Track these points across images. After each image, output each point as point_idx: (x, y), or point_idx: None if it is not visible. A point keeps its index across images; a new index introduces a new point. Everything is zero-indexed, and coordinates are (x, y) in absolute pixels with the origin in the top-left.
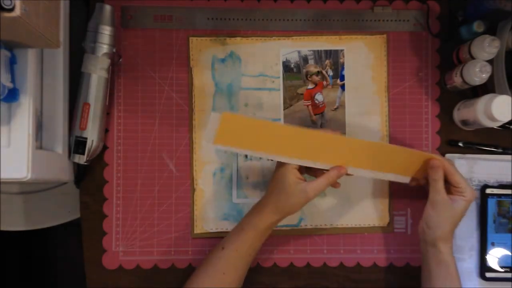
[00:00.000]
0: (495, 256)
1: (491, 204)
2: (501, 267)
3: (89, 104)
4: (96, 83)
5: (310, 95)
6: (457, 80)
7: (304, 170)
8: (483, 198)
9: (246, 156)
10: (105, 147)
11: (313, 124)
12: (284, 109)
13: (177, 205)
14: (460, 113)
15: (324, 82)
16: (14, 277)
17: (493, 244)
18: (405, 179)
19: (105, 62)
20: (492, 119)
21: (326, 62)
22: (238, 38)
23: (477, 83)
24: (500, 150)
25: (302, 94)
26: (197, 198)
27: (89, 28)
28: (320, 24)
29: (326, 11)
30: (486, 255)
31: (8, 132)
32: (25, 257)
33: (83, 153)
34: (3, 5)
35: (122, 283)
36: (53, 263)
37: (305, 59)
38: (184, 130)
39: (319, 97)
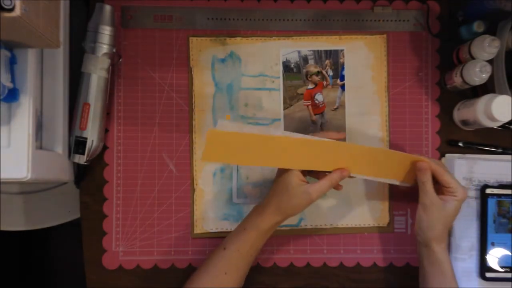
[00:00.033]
0: (495, 256)
1: (491, 204)
2: (501, 267)
3: (89, 104)
4: (96, 83)
5: (310, 95)
6: (457, 80)
7: (306, 172)
8: (483, 198)
9: None
10: (105, 147)
11: (313, 124)
12: (284, 109)
13: (177, 205)
14: (460, 113)
15: (324, 82)
16: (14, 277)
17: (493, 244)
18: (407, 184)
19: (105, 62)
20: (492, 119)
21: (326, 62)
22: (238, 38)
23: (477, 83)
24: (500, 150)
25: (302, 94)
26: (197, 198)
27: (89, 28)
28: (320, 24)
29: (326, 11)
30: (486, 255)
31: (8, 132)
32: (25, 257)
33: (83, 153)
34: (3, 5)
35: (122, 283)
36: (53, 263)
37: (305, 59)
38: (184, 130)
39: (319, 97)
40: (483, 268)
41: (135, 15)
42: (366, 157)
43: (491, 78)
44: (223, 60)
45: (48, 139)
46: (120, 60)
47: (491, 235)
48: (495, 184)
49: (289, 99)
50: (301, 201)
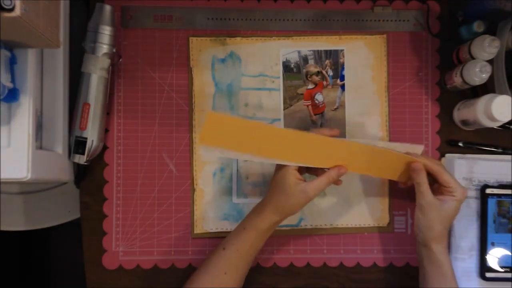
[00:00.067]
0: (495, 256)
1: (491, 204)
2: (501, 267)
3: (89, 104)
4: (96, 83)
5: (310, 95)
6: (457, 80)
7: (304, 170)
8: (483, 198)
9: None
10: (105, 147)
11: (313, 124)
12: (284, 109)
13: (177, 205)
14: (460, 113)
15: (324, 82)
16: (14, 277)
17: (493, 244)
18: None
19: (105, 62)
20: (492, 119)
21: (326, 62)
22: (238, 38)
23: (477, 83)
24: (500, 150)
25: (302, 94)
26: (197, 198)
27: (89, 28)
28: (320, 24)
29: (326, 11)
30: (486, 255)
31: (8, 132)
32: (25, 257)
33: (83, 153)
34: (3, 5)
35: (122, 283)
36: (53, 263)
37: (305, 59)
38: (184, 130)
39: (319, 97)
40: (483, 268)
41: (135, 15)
42: (363, 155)
43: (491, 78)
44: (223, 60)
45: (48, 139)
46: (120, 60)
47: (491, 235)
48: (495, 184)
49: (289, 99)
50: (298, 200)
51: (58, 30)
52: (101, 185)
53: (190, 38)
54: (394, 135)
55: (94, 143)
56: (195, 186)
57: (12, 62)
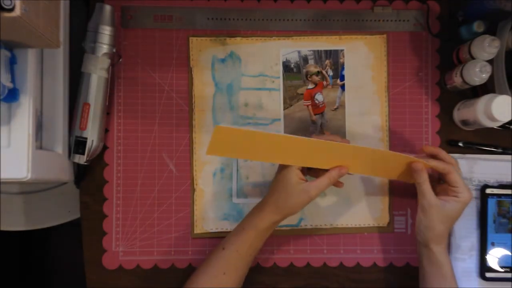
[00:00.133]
0: (495, 256)
1: (491, 204)
2: (501, 267)
3: (89, 104)
4: (96, 83)
5: (310, 95)
6: (457, 80)
7: (306, 172)
8: (483, 198)
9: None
10: (105, 147)
11: (313, 124)
12: (284, 109)
13: (177, 205)
14: (460, 113)
15: (324, 82)
16: (14, 277)
17: (493, 244)
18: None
19: (105, 62)
20: (492, 119)
21: (326, 62)
22: (238, 38)
23: (477, 83)
24: (500, 150)
25: (302, 94)
26: (197, 198)
27: (89, 28)
28: (320, 24)
29: (326, 11)
30: (486, 255)
31: (8, 132)
32: (25, 257)
33: (83, 153)
34: (3, 5)
35: (122, 283)
36: (53, 263)
37: (305, 59)
38: (184, 130)
39: (319, 97)
40: (483, 268)
41: (135, 15)
42: (365, 158)
43: (491, 78)
44: (223, 60)
45: (48, 139)
46: (120, 60)
47: (491, 235)
48: (495, 184)
49: (289, 99)
50: (299, 199)
51: (58, 30)
52: (101, 185)
53: (190, 38)
54: (394, 135)
55: (94, 143)
56: (195, 186)
57: (12, 62)
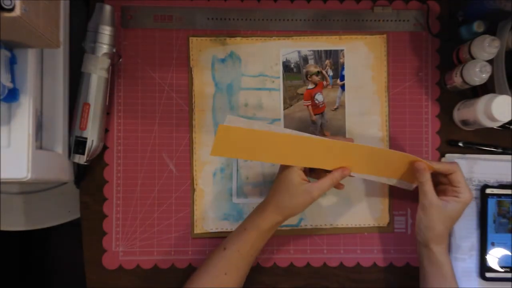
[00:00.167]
0: (495, 256)
1: (491, 204)
2: (501, 267)
3: (89, 104)
4: (96, 83)
5: (310, 95)
6: (457, 80)
7: (308, 173)
8: (483, 198)
9: None
10: (105, 147)
11: (313, 124)
12: (284, 109)
13: (177, 205)
14: (460, 113)
15: (324, 82)
16: (14, 277)
17: (493, 244)
18: (409, 186)
19: (105, 62)
20: (492, 119)
21: (326, 62)
22: (238, 38)
23: (477, 83)
24: (500, 150)
25: (302, 94)
26: (197, 198)
27: (89, 28)
28: (320, 24)
29: (326, 11)
30: (486, 255)
31: (8, 132)
32: (25, 257)
33: (83, 153)
34: (3, 5)
35: (122, 283)
36: (53, 263)
37: (305, 59)
38: (184, 130)
39: (319, 97)
40: (483, 268)
41: (135, 15)
42: (367, 156)
43: (491, 78)
44: (223, 60)
45: (48, 139)
46: (120, 60)
47: (491, 235)
48: (495, 184)
49: (289, 99)
50: (302, 200)
51: (58, 30)
52: (101, 185)
53: (190, 38)
54: (394, 135)
55: (94, 143)
56: (195, 186)
57: (12, 62)
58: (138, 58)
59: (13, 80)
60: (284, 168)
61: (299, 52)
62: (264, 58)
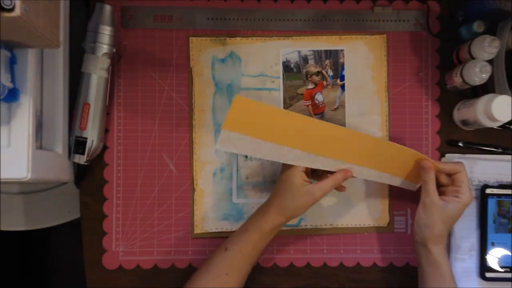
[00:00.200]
0: (495, 256)
1: (491, 204)
2: (501, 267)
3: (89, 104)
4: (96, 83)
5: (310, 95)
6: (457, 80)
7: (310, 175)
8: (483, 198)
9: (246, 156)
10: (105, 147)
11: None
12: (284, 109)
13: (177, 205)
14: (460, 113)
15: (324, 82)
16: (14, 277)
17: (493, 244)
18: (413, 186)
19: (105, 62)
20: (492, 119)
21: (326, 62)
22: (238, 38)
23: (477, 83)
24: (500, 150)
25: (302, 94)
26: (197, 198)
27: (89, 28)
28: (320, 24)
29: (326, 11)
30: (486, 255)
31: (8, 132)
32: (25, 257)
33: (83, 153)
34: (3, 5)
35: (122, 283)
36: (53, 263)
37: (305, 59)
38: (184, 130)
39: (319, 97)
40: (483, 268)
41: (135, 15)
42: (374, 148)
43: (491, 78)
44: (223, 60)
45: (48, 139)
46: (120, 60)
47: (491, 235)
48: (495, 184)
49: (289, 99)
50: (304, 201)
51: (58, 30)
52: (101, 185)
53: (190, 38)
54: (394, 135)
55: (94, 143)
56: (195, 186)
57: (12, 62)
58: (138, 58)
59: (13, 80)
60: (286, 169)
61: (299, 52)
62: (264, 58)
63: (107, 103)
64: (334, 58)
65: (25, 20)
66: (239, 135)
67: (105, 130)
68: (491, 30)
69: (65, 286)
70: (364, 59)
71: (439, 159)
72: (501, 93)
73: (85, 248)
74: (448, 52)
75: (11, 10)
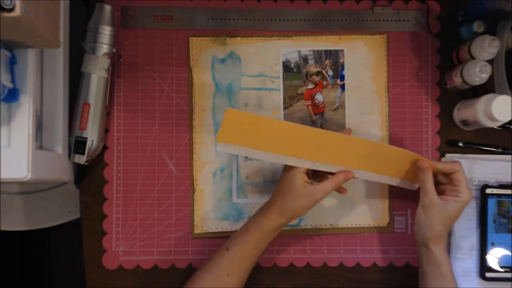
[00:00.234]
0: (495, 256)
1: (491, 204)
2: (501, 267)
3: (89, 104)
4: (96, 83)
5: (310, 95)
6: (457, 80)
7: (311, 176)
8: (483, 198)
9: (246, 156)
10: (105, 147)
11: (313, 124)
12: (284, 109)
13: (177, 205)
14: (460, 113)
15: (324, 82)
16: (14, 277)
17: (493, 244)
18: (412, 186)
19: (105, 62)
20: (492, 119)
21: (326, 62)
22: (238, 38)
23: (477, 83)
24: (500, 150)
25: (302, 94)
26: (197, 198)
27: (89, 28)
28: (320, 24)
29: (326, 11)
30: (486, 255)
31: (8, 132)
32: (25, 257)
33: (83, 153)
34: (3, 5)
35: (122, 283)
36: (53, 263)
37: (305, 59)
38: (184, 130)
39: (319, 97)
40: (483, 268)
41: (135, 15)
42: (370, 152)
43: (491, 78)
44: (223, 60)
45: (48, 139)
46: (120, 60)
47: (491, 235)
48: (495, 184)
49: (289, 99)
50: (305, 202)
51: (58, 30)
52: (101, 185)
53: (190, 38)
54: (394, 135)
55: (94, 143)
56: (195, 186)
57: (12, 62)
58: (138, 58)
59: (13, 80)
60: (287, 170)
61: (299, 52)
62: (264, 58)
63: (107, 103)
64: (334, 58)
65: (25, 20)
66: (234, 146)
67: (105, 130)
68: (491, 30)
69: (65, 286)
70: (364, 59)
71: (439, 159)
72: (501, 93)
73: (85, 248)
74: (448, 52)
75: (11, 10)
